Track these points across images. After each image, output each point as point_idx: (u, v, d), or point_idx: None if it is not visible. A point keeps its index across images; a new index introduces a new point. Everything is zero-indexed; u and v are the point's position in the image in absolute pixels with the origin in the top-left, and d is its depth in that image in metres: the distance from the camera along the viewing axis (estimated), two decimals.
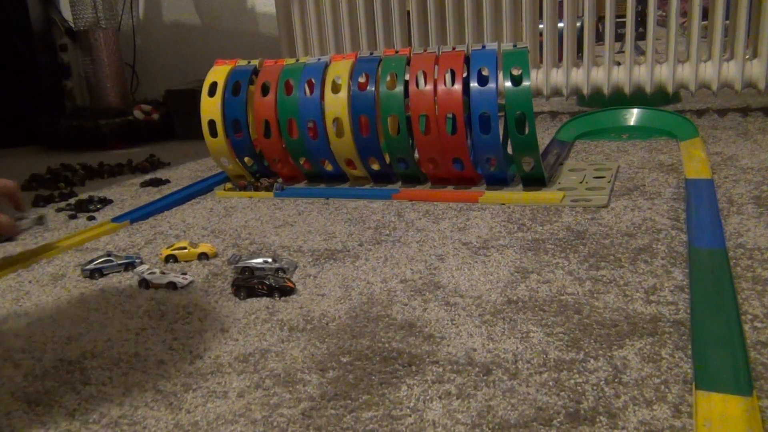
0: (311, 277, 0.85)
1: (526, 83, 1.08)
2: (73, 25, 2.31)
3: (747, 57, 1.69)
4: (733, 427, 0.47)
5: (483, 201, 1.12)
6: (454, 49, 1.18)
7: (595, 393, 0.54)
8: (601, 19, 1.80)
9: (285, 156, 1.32)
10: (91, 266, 0.91)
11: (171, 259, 0.94)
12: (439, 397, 0.55)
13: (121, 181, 1.57)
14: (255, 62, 1.35)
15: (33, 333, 0.75)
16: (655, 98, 1.84)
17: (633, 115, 1.60)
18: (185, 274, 0.88)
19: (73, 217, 1.24)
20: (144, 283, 0.86)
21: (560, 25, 1.78)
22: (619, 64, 1.78)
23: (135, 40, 2.67)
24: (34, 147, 2.26)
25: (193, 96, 2.02)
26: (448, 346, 0.64)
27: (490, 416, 0.52)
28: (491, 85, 1.10)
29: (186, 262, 0.94)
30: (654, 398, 0.53)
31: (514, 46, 1.15)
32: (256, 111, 1.29)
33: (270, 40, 2.47)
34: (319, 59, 1.29)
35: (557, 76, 1.82)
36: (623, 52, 1.76)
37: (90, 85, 2.31)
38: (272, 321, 0.73)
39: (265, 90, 1.29)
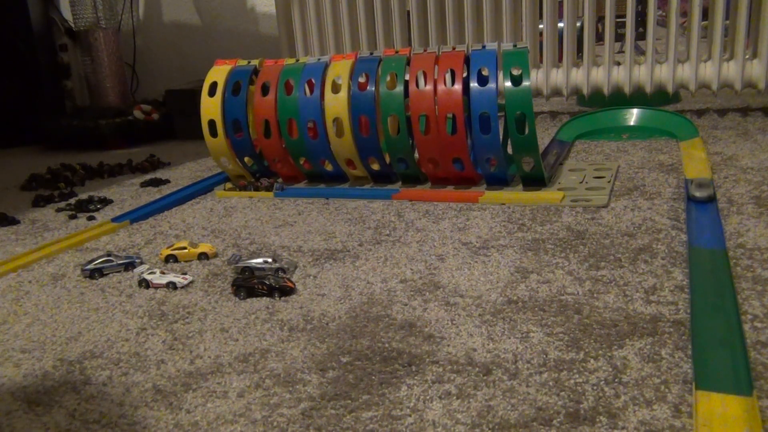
0: (311, 277, 0.85)
1: (526, 83, 1.08)
2: (73, 25, 2.31)
3: (747, 57, 1.69)
4: (733, 427, 0.47)
5: (483, 201, 1.12)
6: (454, 49, 1.18)
7: (595, 393, 0.54)
8: (601, 19, 1.80)
9: (285, 156, 1.32)
10: (91, 266, 0.91)
11: (171, 259, 0.94)
12: (439, 397, 0.55)
13: (121, 181, 1.57)
14: (255, 62, 1.35)
15: (33, 333, 0.75)
16: (655, 98, 1.84)
17: (633, 115, 1.60)
18: (185, 274, 0.88)
19: (73, 217, 1.24)
20: (144, 283, 0.86)
21: (560, 25, 1.78)
22: (619, 64, 1.78)
23: (135, 40, 2.67)
24: (34, 147, 2.26)
25: (193, 96, 2.01)
26: (448, 346, 0.64)
27: (490, 416, 0.52)
28: (491, 85, 1.10)
29: (186, 262, 0.94)
30: (654, 398, 0.53)
31: (514, 46, 1.15)
32: (256, 111, 1.29)
33: (270, 40, 2.47)
34: (319, 59, 1.29)
35: (557, 76, 1.82)
36: (623, 52, 1.76)
37: (90, 85, 2.31)
38: (272, 321, 0.73)
39: (265, 90, 1.29)
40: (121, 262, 0.92)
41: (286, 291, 0.79)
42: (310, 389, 0.58)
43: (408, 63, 1.20)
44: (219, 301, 0.80)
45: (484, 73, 1.12)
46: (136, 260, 0.94)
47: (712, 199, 0.99)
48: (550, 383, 0.56)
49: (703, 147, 1.36)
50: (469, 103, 1.11)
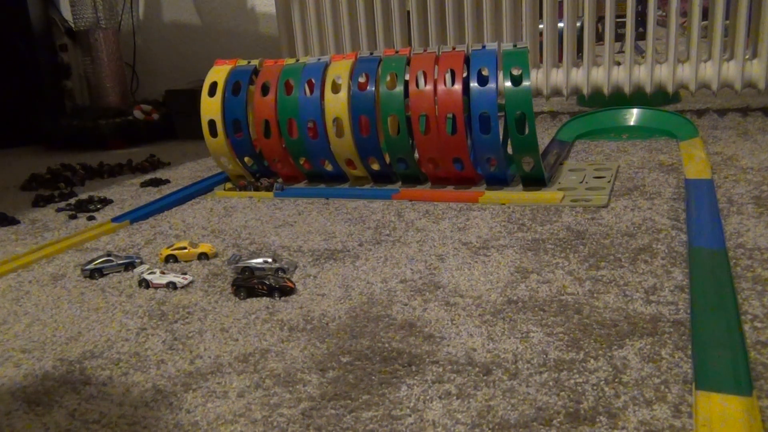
0: (311, 277, 0.85)
1: (526, 83, 1.08)
2: (73, 25, 2.31)
3: (747, 57, 1.69)
4: (733, 427, 0.47)
5: (483, 201, 1.12)
6: (454, 49, 1.18)
7: (595, 393, 0.54)
8: (601, 19, 1.80)
9: (285, 156, 1.32)
10: (91, 266, 0.91)
11: (171, 259, 0.94)
12: (439, 397, 0.55)
13: (121, 181, 1.57)
14: (255, 62, 1.35)
15: (33, 333, 0.75)
16: (655, 98, 1.84)
17: (633, 115, 1.60)
18: (185, 274, 0.88)
19: (73, 217, 1.24)
20: (144, 283, 0.86)
21: (560, 25, 1.78)
22: (619, 64, 1.78)
23: (135, 40, 2.67)
24: (34, 147, 2.26)
25: (193, 96, 2.01)
26: (448, 346, 0.64)
27: (490, 416, 0.52)
28: (491, 85, 1.10)
29: (186, 262, 0.94)
30: (654, 398, 0.53)
31: (514, 46, 1.15)
32: (256, 111, 1.29)
33: (270, 40, 2.47)
34: (319, 59, 1.29)
35: (557, 76, 1.82)
36: (623, 52, 1.76)
37: (90, 85, 2.31)
38: (272, 321, 0.73)
39: (265, 90, 1.29)
40: (121, 262, 0.92)
41: (286, 291, 0.79)
42: (310, 389, 0.58)
43: (408, 63, 1.20)
44: (219, 301, 0.80)
45: (484, 73, 1.12)
46: (136, 260, 0.94)
47: None
48: (550, 383, 0.56)
49: (703, 147, 1.36)
50: (469, 103, 1.11)
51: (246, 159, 1.38)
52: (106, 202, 1.34)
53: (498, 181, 1.18)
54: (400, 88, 1.16)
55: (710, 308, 0.66)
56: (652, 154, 1.38)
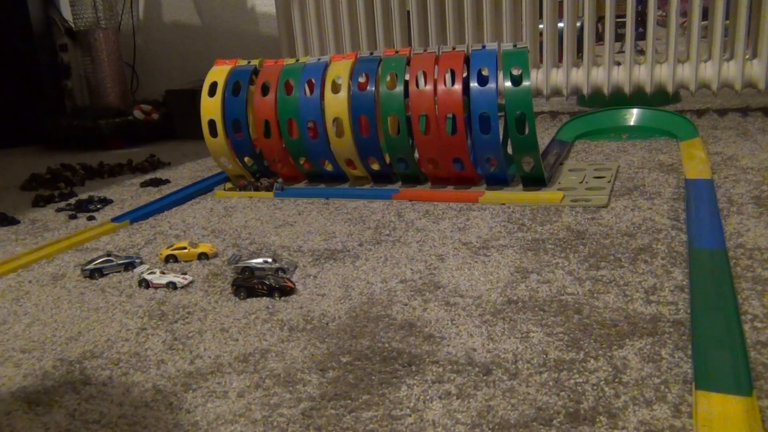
0: (311, 277, 0.85)
1: (526, 83, 1.08)
2: (73, 25, 2.31)
3: (747, 57, 1.69)
4: (733, 427, 0.47)
5: (483, 201, 1.12)
6: (454, 49, 1.18)
7: (595, 393, 0.54)
8: (601, 19, 1.80)
9: (285, 156, 1.32)
10: (91, 266, 0.91)
11: (171, 259, 0.94)
12: (439, 397, 0.55)
13: (121, 181, 1.57)
14: (255, 62, 1.35)
15: (33, 333, 0.75)
16: (655, 98, 1.84)
17: (633, 115, 1.60)
18: (185, 274, 0.88)
19: (73, 217, 1.24)
20: (144, 283, 0.86)
21: (560, 25, 1.78)
22: (619, 64, 1.78)
23: (135, 40, 2.67)
24: (34, 147, 2.26)
25: (193, 96, 2.02)
26: (448, 346, 0.64)
27: (490, 416, 0.52)
28: (491, 85, 1.10)
29: (186, 262, 0.94)
30: (654, 398, 0.53)
31: (514, 46, 1.15)
32: (256, 111, 1.29)
33: (270, 40, 2.47)
34: (319, 59, 1.29)
35: (557, 76, 1.82)
36: (623, 52, 1.76)
37: (90, 85, 2.31)
38: (272, 321, 0.73)
39: (265, 90, 1.29)
40: (121, 262, 0.92)
41: (286, 291, 0.79)
42: (310, 389, 0.58)
43: (408, 63, 1.20)
44: (219, 301, 0.80)
45: (484, 73, 1.12)
46: (136, 260, 0.94)
47: None
48: (550, 383, 0.56)
49: (703, 147, 1.36)
50: (469, 103, 1.11)
51: (246, 159, 1.38)
52: (106, 202, 1.34)
53: (498, 181, 1.19)
54: (400, 88, 1.16)
55: (710, 308, 0.66)
56: (652, 154, 1.38)
